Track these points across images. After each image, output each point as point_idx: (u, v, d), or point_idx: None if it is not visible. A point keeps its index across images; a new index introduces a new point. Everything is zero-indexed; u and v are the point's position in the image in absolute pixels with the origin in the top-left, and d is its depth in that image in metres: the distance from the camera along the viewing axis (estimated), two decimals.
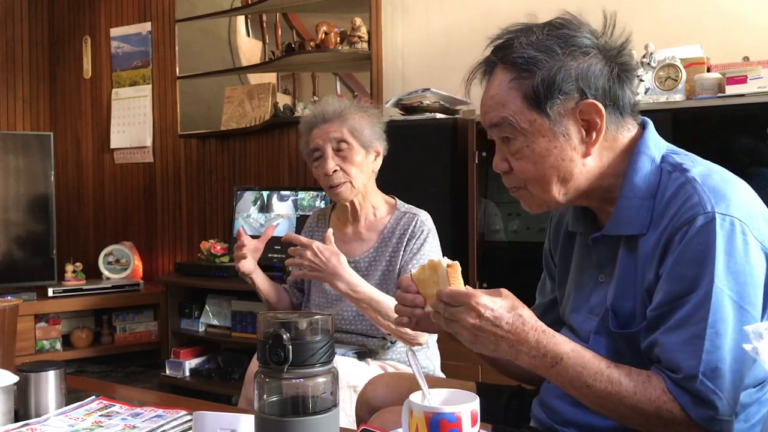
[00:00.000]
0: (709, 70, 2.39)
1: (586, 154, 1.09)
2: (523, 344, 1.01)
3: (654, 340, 1.02)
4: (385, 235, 1.94)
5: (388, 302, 1.76)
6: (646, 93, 2.43)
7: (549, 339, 1.02)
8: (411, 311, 1.16)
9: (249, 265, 1.95)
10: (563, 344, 1.02)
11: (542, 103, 1.06)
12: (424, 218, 1.93)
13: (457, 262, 1.09)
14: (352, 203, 1.96)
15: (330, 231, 1.82)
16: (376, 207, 1.99)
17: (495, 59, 1.11)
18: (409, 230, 1.90)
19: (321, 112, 1.93)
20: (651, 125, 1.14)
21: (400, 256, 1.89)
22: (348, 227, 2.01)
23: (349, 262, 1.94)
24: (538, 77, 1.05)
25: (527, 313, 1.03)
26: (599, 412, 1.04)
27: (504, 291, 1.04)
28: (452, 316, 1.03)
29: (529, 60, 1.06)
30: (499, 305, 1.01)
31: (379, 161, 1.98)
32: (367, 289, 1.78)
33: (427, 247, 1.89)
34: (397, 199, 2.02)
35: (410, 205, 1.99)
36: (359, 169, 1.90)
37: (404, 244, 1.90)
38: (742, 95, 2.24)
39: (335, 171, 1.88)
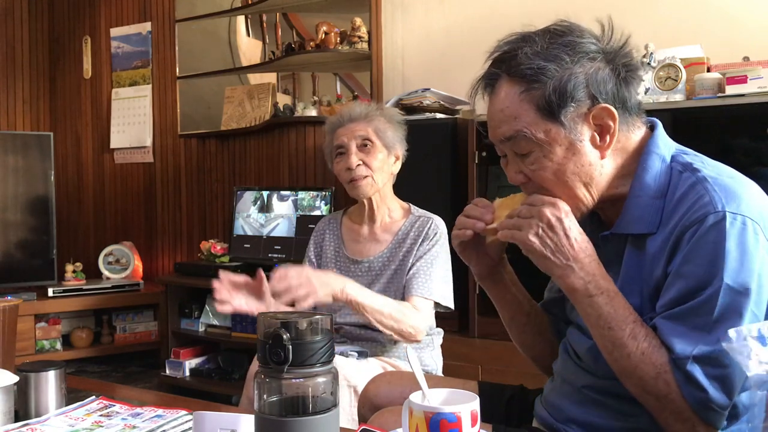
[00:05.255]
0: (709, 70, 2.39)
1: (601, 157, 1.09)
2: (578, 262, 1.06)
3: (653, 324, 1.04)
4: (399, 236, 1.96)
5: (390, 302, 1.80)
6: (646, 93, 2.43)
7: (600, 271, 1.07)
8: (473, 224, 1.18)
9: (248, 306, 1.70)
10: (609, 282, 1.07)
11: (556, 113, 1.06)
12: (438, 222, 1.97)
13: None
14: (369, 202, 1.99)
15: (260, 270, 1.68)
16: (392, 210, 2.02)
17: (498, 71, 1.11)
18: (424, 232, 1.94)
19: (348, 113, 1.99)
20: (660, 126, 1.14)
21: (412, 257, 1.92)
22: (363, 227, 2.03)
23: (362, 263, 1.97)
24: (550, 87, 1.05)
25: (591, 247, 1.08)
26: (606, 360, 1.06)
27: None
28: (531, 211, 1.08)
29: (539, 70, 1.05)
30: (576, 224, 1.07)
31: (399, 165, 2.02)
32: (370, 295, 1.80)
33: (437, 249, 1.92)
34: (411, 204, 2.05)
35: (425, 210, 2.02)
36: (380, 167, 1.95)
37: (417, 245, 1.92)
38: (742, 95, 2.24)
39: (358, 165, 1.93)
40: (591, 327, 1.07)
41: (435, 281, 1.88)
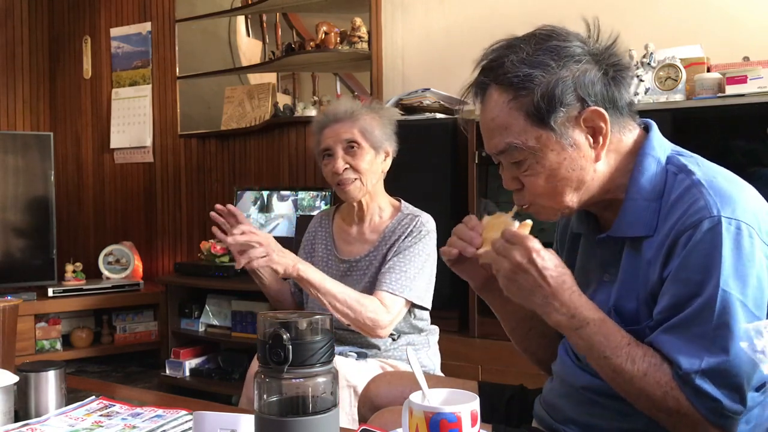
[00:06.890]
0: (709, 70, 2.39)
1: (596, 160, 1.09)
2: (557, 299, 1.05)
3: (654, 338, 1.03)
4: (385, 235, 1.93)
5: (348, 291, 1.78)
6: (646, 93, 2.43)
7: (582, 302, 1.05)
8: (463, 246, 1.17)
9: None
10: (593, 311, 1.05)
11: (546, 118, 1.06)
12: (425, 220, 1.93)
13: (529, 222, 1.12)
14: (359, 203, 1.96)
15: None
16: (382, 209, 1.99)
17: (487, 80, 1.11)
18: (408, 229, 1.90)
19: (332, 113, 1.94)
20: (655, 127, 1.14)
21: (392, 253, 1.89)
22: (353, 227, 2.01)
23: (348, 262, 1.95)
24: (537, 93, 1.05)
25: (570, 278, 1.06)
26: (611, 386, 1.05)
27: (552, 250, 1.08)
28: (504, 250, 1.06)
29: (525, 78, 1.05)
30: (550, 259, 1.05)
31: (389, 162, 1.98)
32: (325, 278, 1.79)
33: (419, 246, 1.88)
34: (402, 201, 2.02)
35: (415, 208, 1.99)
36: (369, 168, 1.91)
37: (400, 241, 1.89)
38: (742, 95, 2.24)
39: (345, 168, 1.89)
40: (587, 358, 1.07)
41: (409, 278, 1.83)
